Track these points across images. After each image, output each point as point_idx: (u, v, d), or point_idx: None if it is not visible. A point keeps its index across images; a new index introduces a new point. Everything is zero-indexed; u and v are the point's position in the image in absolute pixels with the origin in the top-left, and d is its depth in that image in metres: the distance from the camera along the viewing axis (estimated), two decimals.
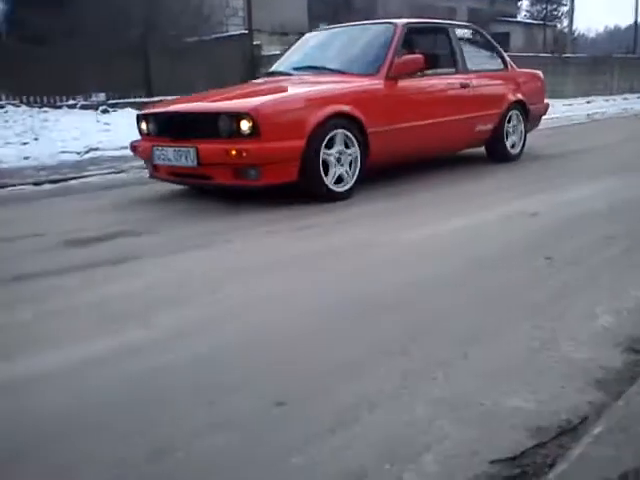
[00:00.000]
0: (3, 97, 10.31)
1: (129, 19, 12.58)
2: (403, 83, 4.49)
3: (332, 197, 3.98)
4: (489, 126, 5.35)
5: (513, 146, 5.63)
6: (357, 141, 4.09)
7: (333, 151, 3.97)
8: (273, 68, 5.18)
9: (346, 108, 4.01)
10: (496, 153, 5.57)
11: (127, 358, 1.84)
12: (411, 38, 4.87)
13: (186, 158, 3.90)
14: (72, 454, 1.38)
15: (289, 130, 3.78)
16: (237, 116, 3.73)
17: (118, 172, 5.72)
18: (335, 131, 3.95)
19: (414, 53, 4.60)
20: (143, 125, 4.35)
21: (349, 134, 4.04)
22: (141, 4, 12.75)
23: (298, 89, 4.17)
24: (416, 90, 4.62)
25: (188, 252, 2.99)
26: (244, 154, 3.67)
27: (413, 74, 4.52)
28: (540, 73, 6.25)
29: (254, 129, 3.68)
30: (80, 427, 1.49)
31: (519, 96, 5.61)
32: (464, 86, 5.01)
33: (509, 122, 5.51)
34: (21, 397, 1.64)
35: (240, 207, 3.92)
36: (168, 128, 4.15)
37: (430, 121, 4.65)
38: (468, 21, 15.52)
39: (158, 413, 1.53)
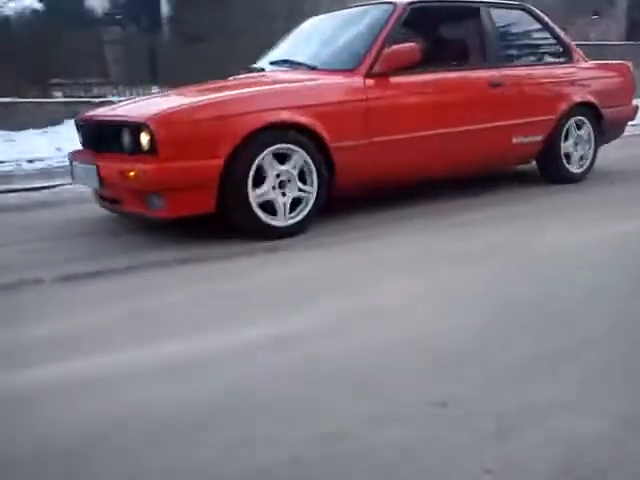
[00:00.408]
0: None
1: (274, 13, 12.33)
2: (397, 80, 3.40)
3: (270, 233, 3.01)
4: (536, 137, 4.07)
5: (576, 163, 4.29)
6: (313, 160, 3.08)
7: (277, 166, 2.99)
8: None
9: (292, 116, 3.01)
10: (550, 172, 4.27)
11: (289, 344, 1.82)
12: (419, 22, 3.74)
13: (91, 177, 3.10)
14: (249, 430, 1.39)
15: (199, 147, 2.85)
16: (137, 127, 2.87)
17: None
18: (273, 147, 2.96)
19: (417, 41, 3.47)
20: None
21: (301, 151, 3.04)
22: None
23: (229, 92, 3.20)
24: (415, 90, 3.49)
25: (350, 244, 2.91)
26: (140, 176, 2.80)
27: (411, 68, 3.41)
28: (628, 65, 4.80)
29: (152, 144, 2.80)
30: (249, 406, 1.50)
31: (587, 97, 4.26)
32: (494, 84, 3.79)
33: (570, 131, 4.20)
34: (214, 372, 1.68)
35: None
36: (87, 139, 3.39)
37: (434, 131, 3.51)
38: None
39: (326, 400, 1.51)
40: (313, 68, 3.49)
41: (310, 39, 3.94)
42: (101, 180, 3.01)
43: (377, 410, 1.45)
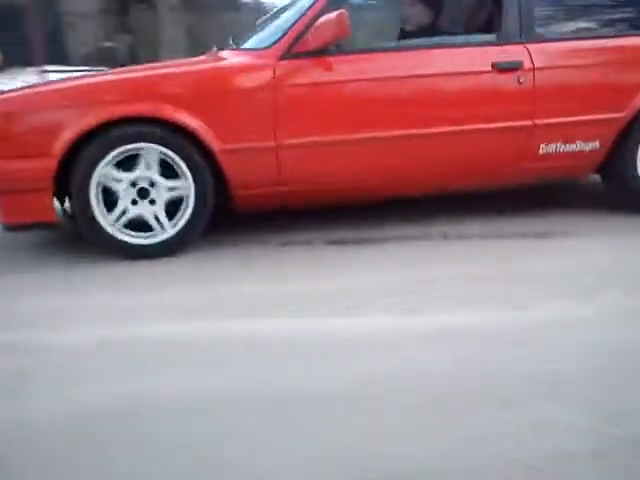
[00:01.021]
0: None
1: None
2: (332, 62, 2.55)
3: (125, 250, 2.43)
4: (590, 145, 2.83)
5: None
6: (187, 165, 2.41)
7: (125, 176, 2.40)
8: None
9: (155, 109, 2.37)
10: (620, 189, 2.97)
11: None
12: None
13: None
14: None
15: (28, 143, 2.37)
16: None
17: None
18: (128, 147, 2.36)
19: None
20: None
21: (170, 153, 2.40)
22: None
23: (98, 78, 2.66)
24: (356, 75, 2.57)
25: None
26: None
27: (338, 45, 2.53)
28: None
29: None
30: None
31: None
32: (504, 69, 2.68)
33: None
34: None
35: None
36: None
37: (389, 133, 2.57)
38: None
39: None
40: (235, 49, 2.80)
41: (276, 17, 3.21)
42: None
43: None
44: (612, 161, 2.87)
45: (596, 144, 2.83)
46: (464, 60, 2.67)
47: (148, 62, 4.18)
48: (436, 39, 2.77)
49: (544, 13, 2.79)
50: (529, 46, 2.71)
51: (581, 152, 2.83)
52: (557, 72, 2.75)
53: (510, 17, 2.72)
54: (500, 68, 2.66)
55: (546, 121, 2.74)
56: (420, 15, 2.98)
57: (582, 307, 1.92)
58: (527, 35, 2.73)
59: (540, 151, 2.77)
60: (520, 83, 2.68)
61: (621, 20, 2.94)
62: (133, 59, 8.92)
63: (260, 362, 1.63)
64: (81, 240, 2.56)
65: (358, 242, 2.60)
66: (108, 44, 9.41)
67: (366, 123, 2.58)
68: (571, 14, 2.90)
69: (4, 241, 2.76)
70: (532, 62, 2.69)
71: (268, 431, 1.32)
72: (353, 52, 2.61)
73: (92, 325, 1.89)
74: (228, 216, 2.73)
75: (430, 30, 2.86)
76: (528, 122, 2.72)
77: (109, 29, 9.69)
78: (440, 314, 1.88)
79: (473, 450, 1.24)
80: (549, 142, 2.77)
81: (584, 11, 2.91)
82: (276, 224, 2.82)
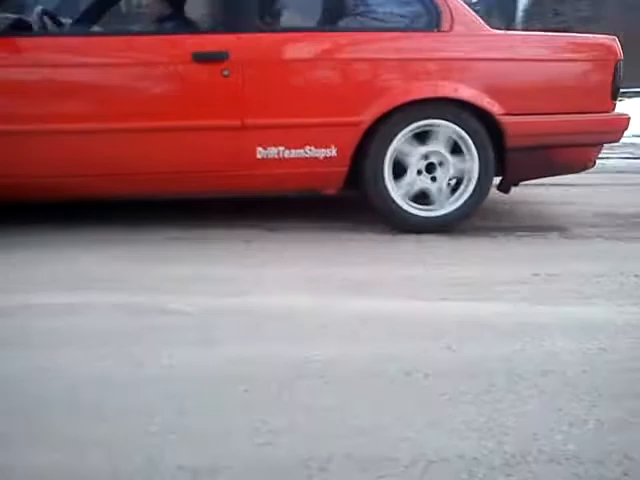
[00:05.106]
0: None
1: None
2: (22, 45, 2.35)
3: None
4: (324, 151, 2.44)
5: (441, 200, 2.49)
6: None
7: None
8: None
9: None
10: (380, 212, 2.55)
11: None
12: None
13: None
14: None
15: None
16: None
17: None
18: None
19: None
20: None
21: None
22: None
23: None
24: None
25: None
26: None
27: None
28: (605, 40, 2.66)
29: None
30: None
31: (457, 91, 2.44)
32: (204, 60, 2.36)
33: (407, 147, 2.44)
34: None
35: None
36: None
37: (73, 127, 2.32)
38: None
39: None
40: None
41: None
42: None
43: None
44: (354, 172, 2.47)
45: (332, 151, 2.45)
46: (158, 50, 2.39)
47: None
48: (136, 26, 2.52)
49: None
50: (240, 36, 2.39)
51: (315, 159, 2.45)
52: (274, 67, 2.41)
53: (217, 2, 2.42)
54: (200, 59, 2.36)
55: (260, 122, 2.40)
56: None
57: None
58: (238, 24, 2.40)
59: (258, 155, 2.42)
60: (225, 77, 2.36)
61: (359, 14, 2.57)
62: None
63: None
64: None
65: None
66: None
67: (45, 115, 2.34)
68: (301, 3, 2.55)
69: None
70: (242, 54, 2.37)
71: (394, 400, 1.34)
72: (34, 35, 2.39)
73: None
74: None
75: (127, 16, 2.60)
76: (237, 122, 2.39)
77: None
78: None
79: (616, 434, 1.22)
80: (267, 146, 2.42)
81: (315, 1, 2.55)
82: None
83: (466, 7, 2.57)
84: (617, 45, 2.63)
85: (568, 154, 2.64)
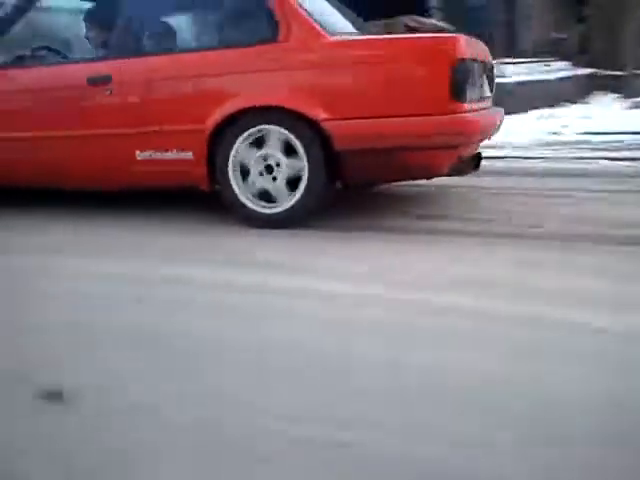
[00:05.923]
0: None
1: None
2: None
3: None
4: (184, 154, 2.92)
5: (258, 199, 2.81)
6: None
7: None
8: None
9: None
10: (229, 207, 2.95)
11: None
12: None
13: None
14: None
15: None
16: None
17: None
18: None
19: None
20: None
21: None
22: None
23: None
24: None
25: None
26: None
27: None
28: (440, 39, 2.64)
29: None
30: None
31: (270, 99, 2.72)
32: (95, 83, 2.99)
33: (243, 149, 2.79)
34: None
35: None
36: None
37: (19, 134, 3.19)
38: None
39: None
40: None
41: None
42: None
43: None
44: (210, 172, 2.90)
45: (189, 154, 2.92)
46: (69, 75, 3.12)
47: None
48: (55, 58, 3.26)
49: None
50: (119, 62, 2.99)
51: (181, 160, 2.95)
52: (142, 85, 2.95)
53: (99, 37, 3.05)
54: (92, 82, 3.02)
55: (135, 130, 2.97)
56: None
57: None
58: (118, 51, 3.01)
59: (138, 157, 3.01)
60: (110, 94, 2.99)
61: (206, 34, 2.92)
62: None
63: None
64: None
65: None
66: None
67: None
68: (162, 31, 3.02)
69: None
70: (120, 76, 2.97)
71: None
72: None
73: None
74: None
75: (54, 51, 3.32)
76: (120, 130, 3.00)
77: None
78: None
79: None
80: (143, 149, 2.98)
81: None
82: None
83: (307, 17, 2.74)
84: (458, 43, 2.53)
85: (411, 158, 2.65)
